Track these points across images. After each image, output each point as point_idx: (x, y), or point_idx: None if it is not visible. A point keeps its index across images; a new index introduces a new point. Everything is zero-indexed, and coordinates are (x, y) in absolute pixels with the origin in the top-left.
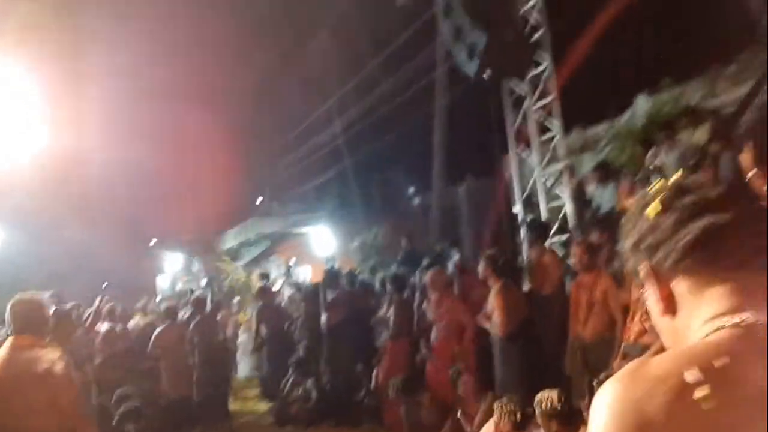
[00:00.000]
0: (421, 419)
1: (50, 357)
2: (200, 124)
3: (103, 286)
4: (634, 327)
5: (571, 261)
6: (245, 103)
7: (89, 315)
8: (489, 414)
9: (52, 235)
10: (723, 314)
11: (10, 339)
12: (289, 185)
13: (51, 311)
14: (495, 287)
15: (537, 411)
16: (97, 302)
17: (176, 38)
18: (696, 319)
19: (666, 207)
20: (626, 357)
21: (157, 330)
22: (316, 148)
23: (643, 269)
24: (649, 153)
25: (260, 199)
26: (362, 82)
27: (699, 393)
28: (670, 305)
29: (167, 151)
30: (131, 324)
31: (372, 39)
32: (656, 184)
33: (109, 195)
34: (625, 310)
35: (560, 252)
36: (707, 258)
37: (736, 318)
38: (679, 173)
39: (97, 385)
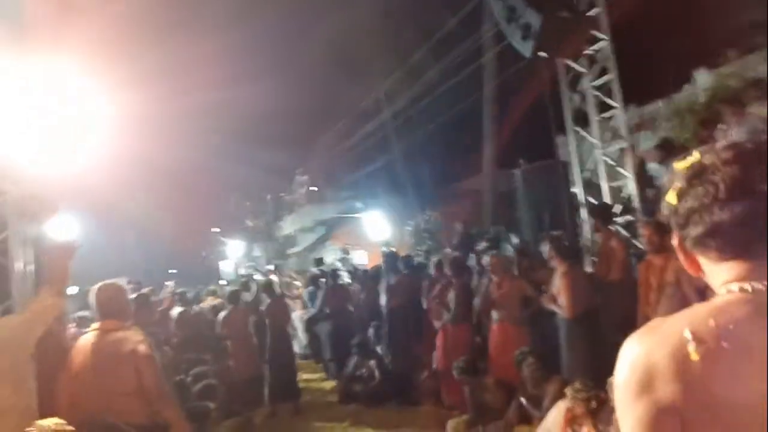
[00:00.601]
0: (485, 401)
1: (135, 338)
2: (258, 115)
3: (172, 272)
4: None
5: (641, 242)
6: (300, 92)
7: (162, 299)
8: (557, 398)
9: (125, 227)
10: (733, 280)
11: (96, 323)
12: (342, 172)
13: (132, 296)
14: (560, 269)
15: (610, 394)
16: (170, 287)
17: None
18: (715, 282)
19: (680, 196)
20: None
21: (223, 313)
22: (368, 135)
23: (674, 238)
24: (718, 128)
25: (315, 186)
26: (411, 68)
27: (690, 347)
28: (697, 269)
29: (228, 142)
30: (201, 307)
31: (420, 24)
32: (684, 162)
33: (175, 187)
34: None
35: (624, 233)
36: (715, 246)
37: (745, 284)
38: (696, 155)
39: (174, 366)
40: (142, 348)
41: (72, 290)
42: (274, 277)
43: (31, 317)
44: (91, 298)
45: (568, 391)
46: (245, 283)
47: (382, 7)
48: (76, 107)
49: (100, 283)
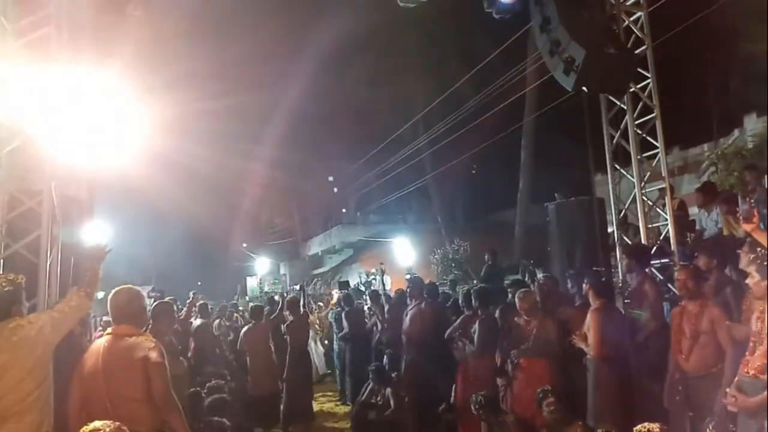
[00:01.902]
0: None
1: (146, 345)
2: (290, 134)
3: (198, 283)
4: (754, 361)
5: (676, 287)
6: (336, 114)
7: (183, 309)
8: None
9: (157, 235)
10: None
11: (110, 328)
12: (372, 197)
13: (153, 303)
14: (593, 305)
15: None
16: (191, 297)
17: (275, 45)
18: None
19: None
20: (741, 391)
21: (245, 328)
22: (402, 160)
23: None
24: (766, 176)
25: (344, 209)
26: (452, 96)
27: None
28: None
29: (260, 160)
30: (221, 321)
31: (463, 53)
32: None
33: (208, 200)
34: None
35: (659, 276)
36: None
37: None
38: None
39: (189, 378)
40: (154, 355)
41: (99, 294)
42: (297, 295)
43: (58, 317)
44: (108, 302)
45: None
46: (270, 299)
47: (426, 34)
48: (117, 111)
49: (117, 288)
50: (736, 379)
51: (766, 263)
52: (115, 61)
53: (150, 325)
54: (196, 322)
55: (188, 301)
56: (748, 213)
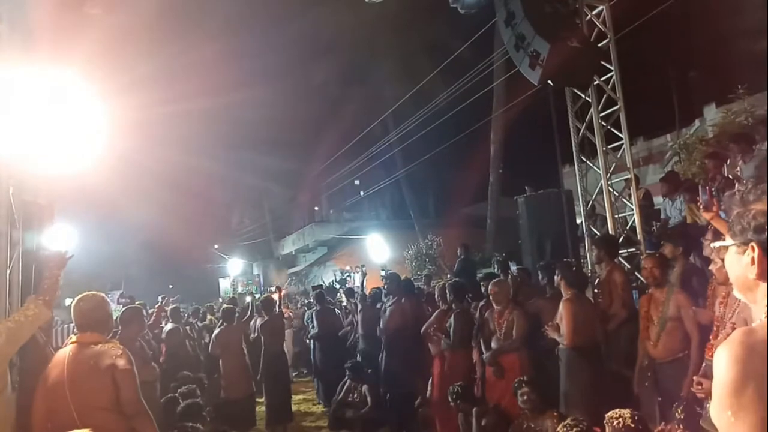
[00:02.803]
0: (480, 430)
1: (113, 352)
2: (262, 133)
3: (170, 286)
4: (718, 345)
5: (642, 275)
6: (304, 112)
7: (152, 313)
8: None
9: (125, 238)
10: None
11: (74, 336)
12: (345, 194)
13: (122, 309)
14: (565, 295)
15: (607, 429)
16: (159, 301)
17: (246, 43)
18: None
19: None
20: (707, 376)
21: (216, 331)
22: (373, 157)
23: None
24: (727, 163)
25: (317, 207)
26: (420, 92)
27: None
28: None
29: (230, 160)
30: (192, 323)
31: (431, 49)
32: None
33: (177, 202)
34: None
35: (626, 266)
36: None
37: None
38: None
39: (162, 384)
40: (121, 362)
41: (67, 301)
42: (274, 295)
43: (14, 327)
44: (72, 310)
45: (560, 428)
46: (242, 300)
47: (394, 31)
48: (78, 113)
49: (80, 294)
50: (704, 363)
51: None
52: (74, 61)
53: (119, 331)
54: (168, 326)
55: (156, 306)
56: (708, 202)
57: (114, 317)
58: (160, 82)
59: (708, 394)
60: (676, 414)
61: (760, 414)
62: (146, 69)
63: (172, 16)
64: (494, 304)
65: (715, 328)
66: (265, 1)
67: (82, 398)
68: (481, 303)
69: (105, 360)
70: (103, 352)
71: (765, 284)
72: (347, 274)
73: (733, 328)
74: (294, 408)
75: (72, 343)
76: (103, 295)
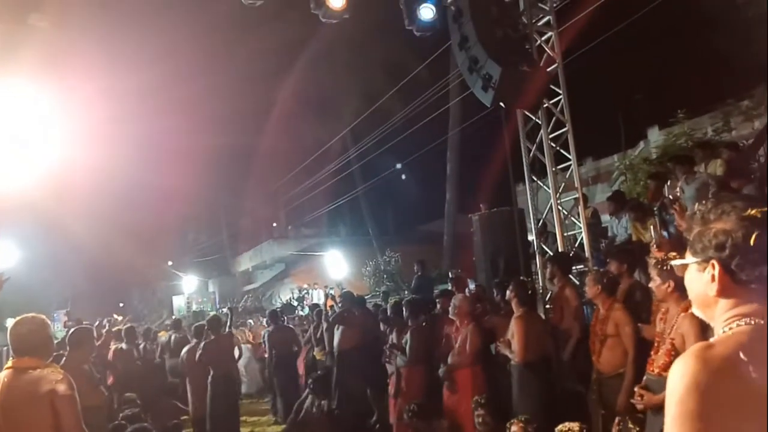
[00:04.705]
0: None
1: (53, 377)
2: (217, 149)
3: (120, 305)
4: (658, 360)
5: (588, 295)
6: (263, 129)
7: (102, 334)
8: None
9: (72, 255)
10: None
11: (10, 361)
12: (303, 210)
13: (70, 330)
14: (516, 313)
15: None
16: (106, 322)
17: (198, 60)
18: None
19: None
20: (648, 389)
21: (186, 348)
22: (332, 174)
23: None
24: (667, 184)
25: (275, 224)
26: (378, 110)
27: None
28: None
29: (184, 174)
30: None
31: (389, 68)
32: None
33: (128, 217)
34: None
35: (575, 282)
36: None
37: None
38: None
39: (110, 405)
40: (62, 388)
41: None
42: (222, 312)
43: None
44: (8, 334)
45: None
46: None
47: (350, 50)
48: (18, 126)
49: (16, 318)
50: (644, 377)
51: (666, 268)
52: (17, 73)
53: (66, 354)
54: (120, 346)
55: (97, 326)
56: (659, 241)
57: (56, 340)
58: (110, 97)
59: (647, 407)
60: (615, 427)
61: (700, 427)
62: (95, 83)
63: (122, 32)
64: (454, 318)
65: (656, 343)
66: (222, 16)
67: (16, 426)
68: (437, 318)
69: (44, 386)
70: (41, 378)
71: (724, 301)
72: (305, 291)
73: (672, 344)
74: (248, 430)
75: (7, 368)
76: (43, 317)
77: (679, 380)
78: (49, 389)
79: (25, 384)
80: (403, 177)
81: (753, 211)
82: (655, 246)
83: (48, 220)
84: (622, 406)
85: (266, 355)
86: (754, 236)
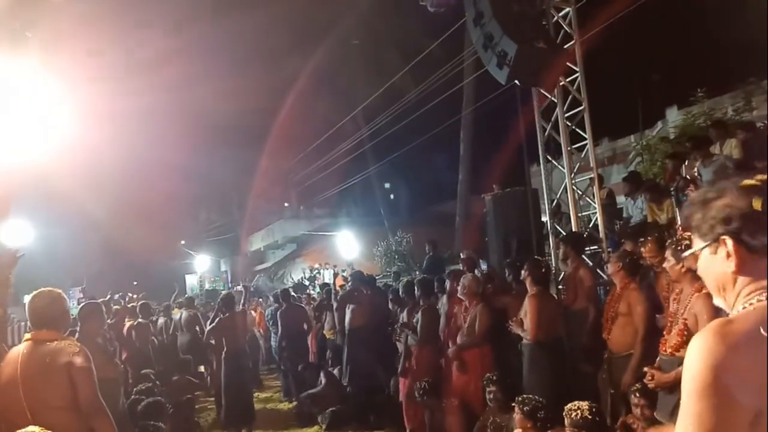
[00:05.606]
0: (445, 425)
1: (70, 350)
2: (230, 128)
3: (134, 283)
4: (671, 340)
5: (608, 272)
6: (275, 109)
7: (111, 309)
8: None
9: (88, 234)
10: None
11: (28, 334)
12: (315, 190)
13: (80, 305)
14: (531, 292)
15: (566, 421)
16: (118, 297)
17: (209, 51)
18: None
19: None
20: (660, 370)
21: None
22: (344, 153)
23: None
24: (685, 164)
25: (287, 203)
26: (391, 89)
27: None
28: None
29: (197, 154)
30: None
31: (402, 46)
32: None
33: (142, 197)
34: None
35: (589, 263)
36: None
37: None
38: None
39: (126, 380)
40: (79, 360)
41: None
42: (236, 290)
43: None
44: (26, 307)
45: (515, 404)
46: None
47: (365, 28)
48: (34, 104)
49: (34, 292)
50: (658, 358)
51: (680, 248)
52: (30, 51)
53: (79, 328)
54: (138, 321)
55: (107, 301)
56: (675, 254)
57: (72, 315)
58: (125, 75)
59: (658, 386)
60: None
61: (716, 402)
62: (110, 61)
63: (135, 6)
64: (463, 297)
65: (668, 324)
66: None
67: (36, 397)
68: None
69: (61, 358)
70: (59, 350)
71: (742, 278)
72: (316, 270)
73: (685, 324)
74: (260, 406)
75: (26, 340)
76: (60, 291)
77: (696, 356)
78: (67, 361)
79: (42, 356)
80: (414, 158)
81: (752, 181)
82: (680, 227)
83: (64, 199)
84: (626, 384)
85: (275, 334)
86: (757, 201)
